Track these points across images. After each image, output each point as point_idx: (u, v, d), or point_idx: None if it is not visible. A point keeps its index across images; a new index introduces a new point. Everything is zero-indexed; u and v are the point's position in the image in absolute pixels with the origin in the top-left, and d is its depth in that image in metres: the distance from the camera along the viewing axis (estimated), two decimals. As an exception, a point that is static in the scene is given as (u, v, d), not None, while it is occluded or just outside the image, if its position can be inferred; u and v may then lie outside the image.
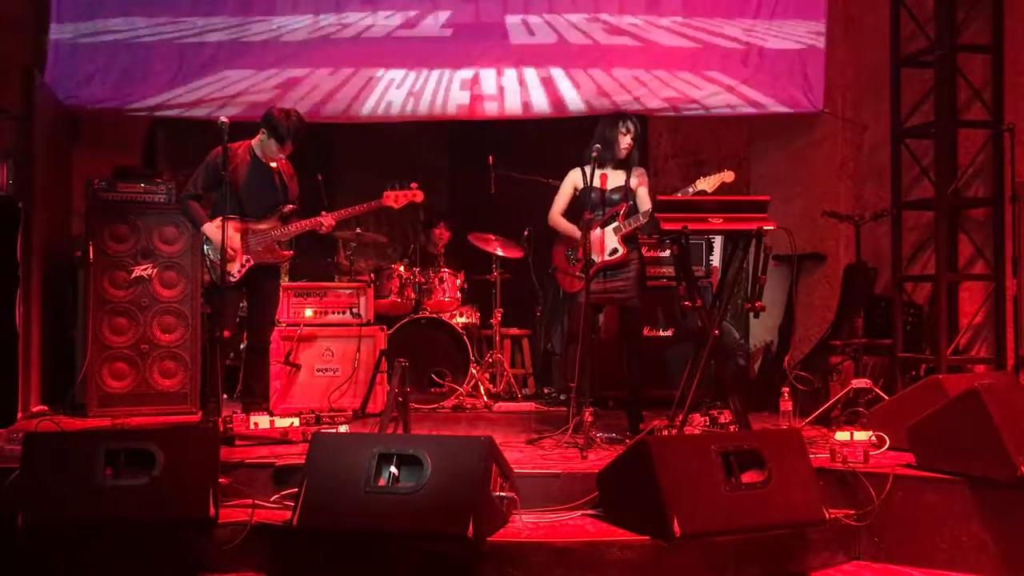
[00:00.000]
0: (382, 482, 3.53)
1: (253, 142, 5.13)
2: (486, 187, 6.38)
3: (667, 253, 6.05)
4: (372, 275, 6.55)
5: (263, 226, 5.08)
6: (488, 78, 6.47)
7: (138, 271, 5.72)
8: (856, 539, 3.95)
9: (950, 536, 3.83)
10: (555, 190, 5.47)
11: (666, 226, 4.48)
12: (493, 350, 6.77)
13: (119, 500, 3.55)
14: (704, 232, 5.57)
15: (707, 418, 4.82)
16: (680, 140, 7.88)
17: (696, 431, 4.67)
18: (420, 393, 6.02)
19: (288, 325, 5.89)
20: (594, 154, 4.86)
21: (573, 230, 5.05)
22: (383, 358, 5.78)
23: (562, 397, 6.20)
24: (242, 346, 5.76)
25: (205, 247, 5.05)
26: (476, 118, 6.56)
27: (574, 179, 5.13)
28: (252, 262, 5.04)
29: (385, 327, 6.05)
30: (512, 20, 6.47)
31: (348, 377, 5.86)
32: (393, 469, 3.55)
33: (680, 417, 4.57)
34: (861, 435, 4.25)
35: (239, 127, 5.03)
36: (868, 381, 5.21)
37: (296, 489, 3.57)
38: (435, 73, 6.47)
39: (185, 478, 3.61)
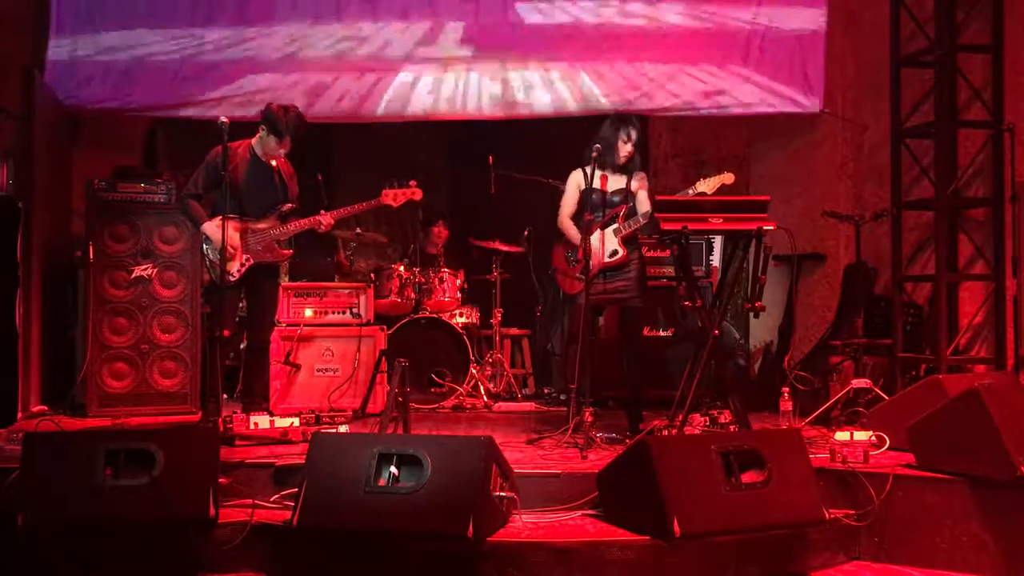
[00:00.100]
0: (382, 482, 3.53)
1: (253, 141, 5.14)
2: (486, 187, 6.38)
3: (667, 253, 6.05)
4: (372, 275, 6.55)
5: (262, 225, 5.08)
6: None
7: (138, 271, 5.72)
8: (856, 539, 3.94)
9: (950, 536, 3.83)
10: (555, 190, 5.47)
11: (666, 226, 4.48)
12: (493, 350, 6.77)
13: (119, 500, 3.55)
14: (704, 232, 5.57)
15: (707, 418, 4.83)
16: (680, 140, 7.88)
17: (696, 431, 4.67)
18: (420, 393, 6.02)
19: (288, 325, 5.89)
20: (594, 155, 4.86)
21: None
22: (383, 358, 5.77)
23: (562, 397, 6.20)
24: (242, 346, 5.76)
25: (205, 246, 5.06)
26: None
27: (577, 179, 5.13)
28: (252, 261, 5.04)
29: (385, 327, 6.05)
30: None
31: (348, 377, 5.86)
32: (393, 469, 3.55)
33: (680, 417, 4.57)
34: (861, 435, 4.24)
35: (239, 127, 5.02)
36: (868, 381, 5.21)
37: (296, 489, 3.57)
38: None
39: (185, 478, 3.61)
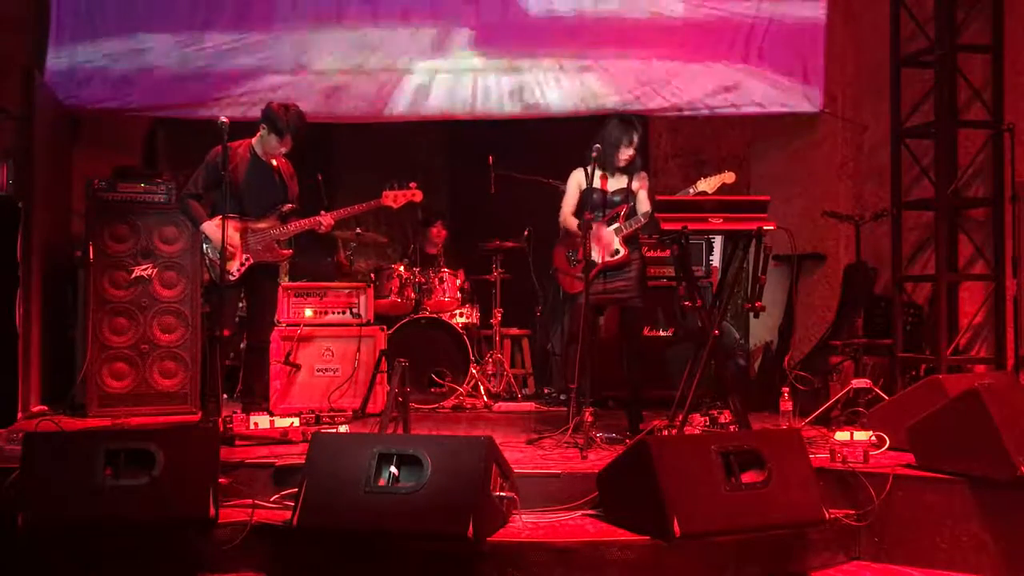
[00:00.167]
0: (382, 482, 3.52)
1: (253, 140, 5.14)
2: (486, 187, 6.38)
3: (668, 253, 6.05)
4: (372, 275, 6.55)
5: (262, 225, 5.08)
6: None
7: (138, 271, 5.72)
8: (856, 539, 3.94)
9: (950, 536, 3.83)
10: (555, 190, 5.47)
11: (666, 226, 4.48)
12: (493, 350, 6.77)
13: (119, 500, 3.55)
14: (704, 232, 5.58)
15: (707, 418, 4.83)
16: (680, 140, 7.88)
17: (696, 431, 4.67)
18: (420, 393, 6.02)
19: (288, 325, 5.89)
20: (594, 154, 4.86)
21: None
22: (383, 358, 5.77)
23: (562, 397, 6.20)
24: (242, 346, 5.76)
25: (204, 246, 5.06)
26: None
27: (579, 179, 5.12)
28: (251, 261, 5.04)
29: (385, 327, 6.05)
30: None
31: (348, 377, 5.86)
32: (393, 469, 3.55)
33: (680, 417, 4.57)
34: (861, 435, 4.24)
35: (239, 127, 5.02)
36: (868, 381, 5.21)
37: (296, 489, 3.57)
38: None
39: (185, 478, 3.60)
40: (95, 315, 5.65)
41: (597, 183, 4.99)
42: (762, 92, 6.48)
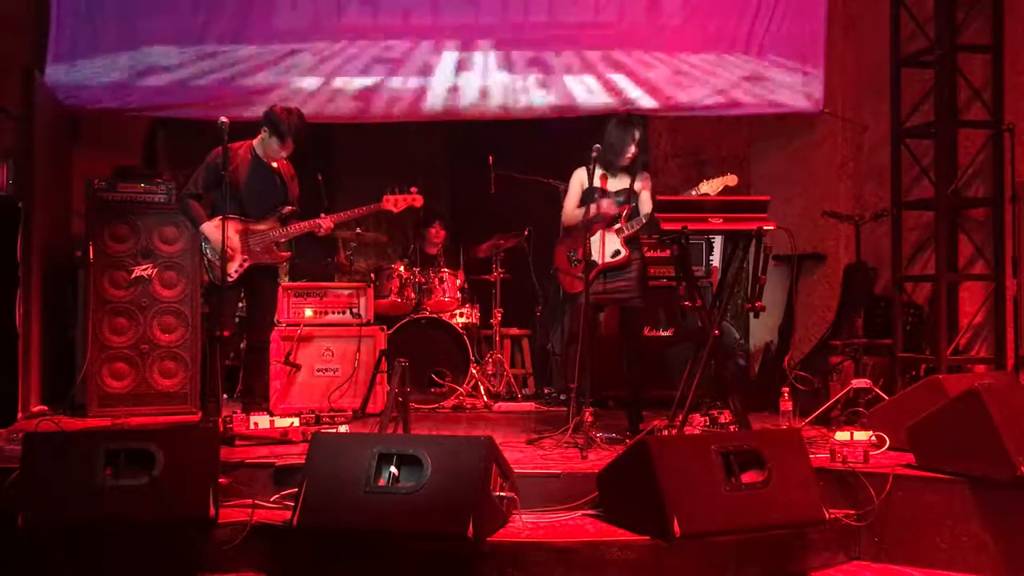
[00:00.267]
0: (382, 482, 3.52)
1: (254, 142, 5.14)
2: (486, 187, 6.39)
3: (668, 253, 6.04)
4: (372, 275, 6.55)
5: (262, 227, 5.08)
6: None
7: (138, 271, 5.72)
8: (856, 539, 3.94)
9: (950, 536, 3.83)
10: (555, 190, 5.47)
11: (666, 226, 4.48)
12: (493, 350, 6.77)
13: (119, 500, 3.55)
14: (704, 232, 5.58)
15: (707, 418, 4.83)
16: (680, 140, 7.88)
17: (696, 431, 4.67)
18: (420, 393, 6.02)
19: (288, 325, 5.88)
20: (594, 154, 4.86)
21: None
22: (383, 358, 5.77)
23: (562, 397, 6.20)
24: (242, 346, 5.76)
25: (203, 246, 5.06)
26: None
27: (580, 177, 5.12)
28: (250, 262, 5.04)
29: (385, 327, 6.05)
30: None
31: (348, 377, 5.86)
32: (393, 469, 3.55)
33: (680, 417, 4.57)
34: (861, 435, 4.24)
35: (239, 127, 5.02)
36: (868, 381, 5.21)
37: (296, 489, 3.57)
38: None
39: (185, 478, 3.61)
40: (95, 315, 5.66)
41: (597, 183, 4.99)
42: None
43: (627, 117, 5.24)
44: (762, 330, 6.53)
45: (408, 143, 7.90)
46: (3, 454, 4.12)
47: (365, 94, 6.52)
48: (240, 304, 5.41)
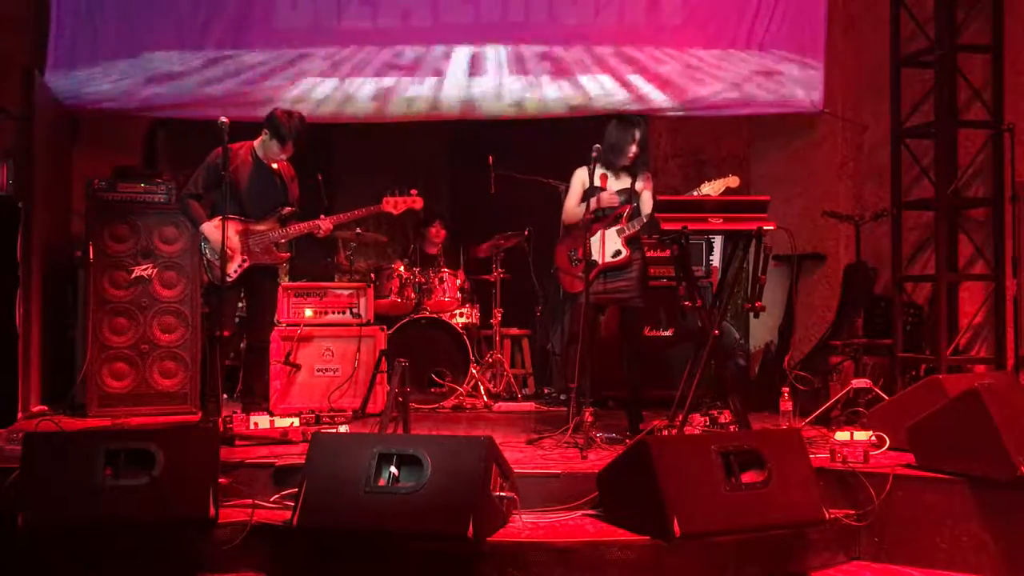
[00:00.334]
0: (382, 482, 3.52)
1: (255, 143, 5.14)
2: (486, 187, 6.39)
3: (668, 253, 6.04)
4: (372, 275, 6.55)
5: (261, 227, 5.08)
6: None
7: (138, 271, 5.72)
8: (856, 539, 3.94)
9: (950, 536, 3.83)
10: (555, 190, 5.46)
11: (666, 226, 4.47)
12: (493, 350, 6.77)
13: (119, 500, 3.55)
14: (704, 232, 5.58)
15: (707, 418, 4.83)
16: (680, 140, 7.88)
17: (696, 431, 4.67)
18: (420, 393, 6.02)
19: (288, 325, 5.88)
20: (594, 154, 4.86)
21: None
22: (383, 358, 5.77)
23: (562, 397, 6.20)
24: (242, 346, 5.76)
25: (203, 246, 5.06)
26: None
27: (582, 177, 5.12)
28: (249, 262, 5.04)
29: (385, 327, 6.05)
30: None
31: (348, 377, 5.85)
32: (393, 469, 3.55)
33: (680, 417, 4.57)
34: (861, 435, 4.24)
35: (239, 127, 5.02)
36: (868, 381, 5.21)
37: (296, 489, 3.57)
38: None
39: (185, 478, 3.61)
40: (95, 315, 5.66)
41: (597, 182, 4.99)
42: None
43: (627, 117, 5.24)
44: (762, 330, 6.53)
45: (408, 143, 7.89)
46: (3, 454, 4.12)
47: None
48: (240, 304, 5.41)
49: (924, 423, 4.04)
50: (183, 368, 5.79)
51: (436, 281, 6.56)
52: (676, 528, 3.40)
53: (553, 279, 5.61)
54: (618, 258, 4.97)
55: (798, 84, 6.48)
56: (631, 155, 5.04)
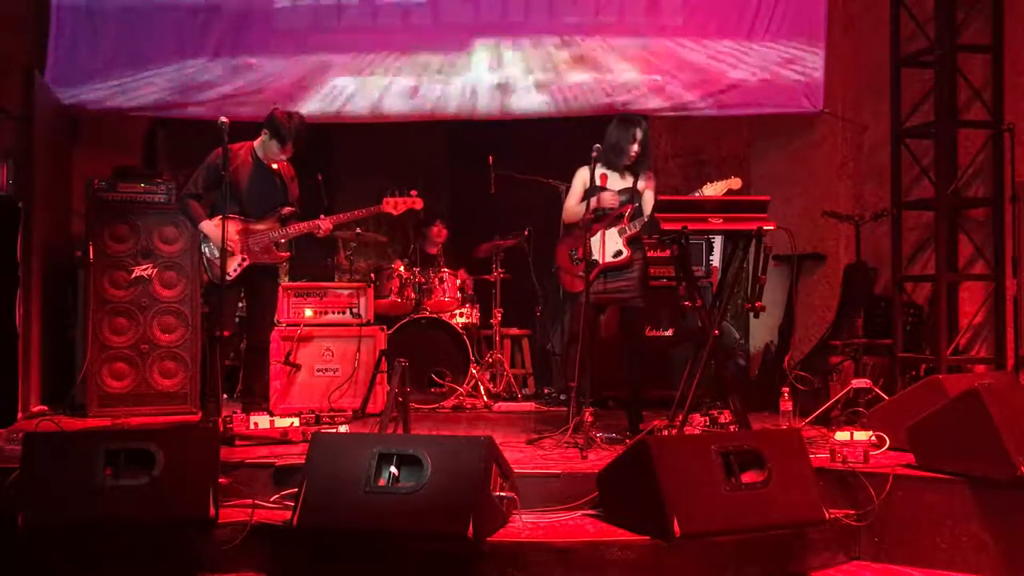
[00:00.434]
0: (382, 482, 3.52)
1: (255, 143, 5.14)
2: (486, 187, 6.38)
3: (668, 253, 6.04)
4: (372, 275, 6.55)
5: (261, 227, 5.09)
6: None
7: (138, 271, 5.72)
8: (856, 539, 3.94)
9: (950, 536, 3.83)
10: (555, 190, 5.46)
11: (666, 226, 4.47)
12: (493, 350, 6.77)
13: (119, 500, 3.55)
14: (704, 232, 5.58)
15: (707, 418, 4.83)
16: (680, 140, 7.88)
17: (696, 431, 4.67)
18: (420, 393, 6.03)
19: (288, 325, 5.88)
20: (594, 154, 4.86)
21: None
22: (383, 358, 5.77)
23: (562, 397, 6.20)
24: (242, 346, 5.76)
25: (203, 245, 5.06)
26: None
27: (583, 176, 5.11)
28: (249, 261, 5.04)
29: (385, 327, 6.05)
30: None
31: (348, 377, 5.85)
32: (393, 469, 3.55)
33: (680, 417, 4.57)
34: (861, 435, 4.24)
35: (239, 127, 5.02)
36: (868, 381, 5.21)
37: (296, 489, 3.57)
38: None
39: (185, 478, 3.60)
40: (95, 315, 5.66)
41: (598, 182, 4.99)
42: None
43: (628, 116, 5.24)
44: (762, 330, 6.53)
45: (408, 143, 7.89)
46: (3, 454, 4.12)
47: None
48: (240, 304, 5.41)
49: (924, 423, 4.04)
50: (183, 368, 5.79)
51: (436, 281, 6.56)
52: (676, 528, 3.40)
53: (553, 279, 5.61)
54: (619, 258, 4.96)
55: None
56: (632, 154, 5.04)
